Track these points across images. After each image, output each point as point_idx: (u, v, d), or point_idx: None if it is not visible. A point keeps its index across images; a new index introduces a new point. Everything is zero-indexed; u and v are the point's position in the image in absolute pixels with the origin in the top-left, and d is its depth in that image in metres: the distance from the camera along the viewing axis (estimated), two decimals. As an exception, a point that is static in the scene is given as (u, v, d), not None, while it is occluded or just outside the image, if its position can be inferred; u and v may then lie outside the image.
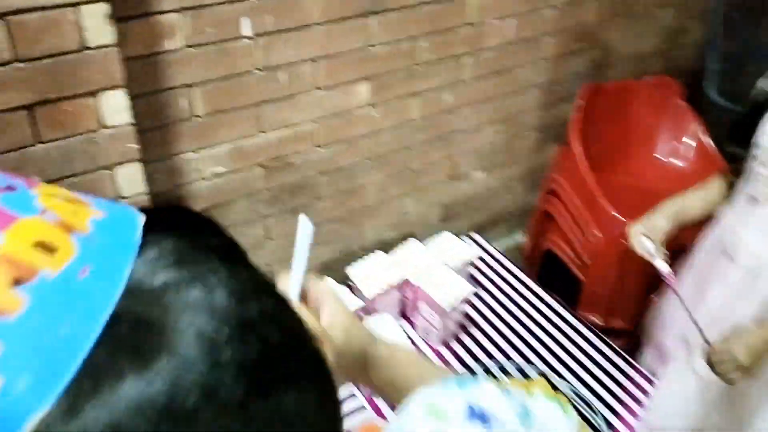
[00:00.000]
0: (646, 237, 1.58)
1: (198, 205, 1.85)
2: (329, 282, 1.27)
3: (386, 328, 1.78)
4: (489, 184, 2.52)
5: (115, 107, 1.47)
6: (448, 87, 2.15)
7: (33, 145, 1.42)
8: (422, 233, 2.43)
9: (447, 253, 2.03)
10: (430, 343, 1.90)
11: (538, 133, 2.51)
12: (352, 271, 1.91)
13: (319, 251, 2.18)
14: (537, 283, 2.64)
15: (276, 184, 1.96)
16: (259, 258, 2.06)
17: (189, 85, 1.66)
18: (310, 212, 2.06)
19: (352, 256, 2.27)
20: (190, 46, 1.61)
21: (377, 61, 1.93)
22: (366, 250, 2.31)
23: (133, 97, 1.58)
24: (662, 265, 1.56)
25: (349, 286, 1.91)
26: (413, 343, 1.90)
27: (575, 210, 2.34)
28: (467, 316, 1.99)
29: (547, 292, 2.15)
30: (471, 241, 2.38)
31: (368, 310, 1.85)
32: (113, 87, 1.45)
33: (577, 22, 2.29)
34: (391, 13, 1.87)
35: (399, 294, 1.90)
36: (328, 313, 0.71)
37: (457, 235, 2.47)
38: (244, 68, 1.71)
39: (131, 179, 1.58)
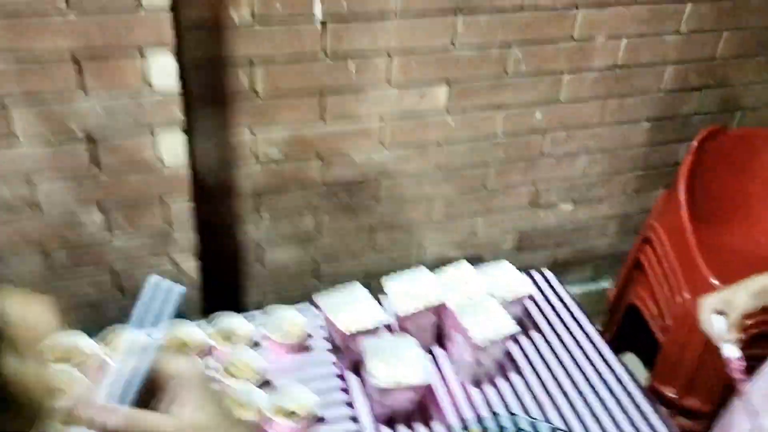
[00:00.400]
0: (719, 314, 1.31)
1: (248, 187, 1.79)
2: (196, 362, 1.06)
3: (407, 352, 1.62)
4: (577, 218, 2.28)
5: (163, 70, 1.43)
6: (540, 105, 1.95)
7: (77, 97, 1.42)
8: (490, 259, 2.24)
9: (500, 285, 1.84)
10: (460, 379, 1.72)
11: (642, 171, 2.23)
12: (390, 283, 1.77)
13: (369, 256, 2.06)
14: (614, 338, 2.37)
15: (333, 179, 1.87)
16: (306, 252, 1.98)
17: (251, 61, 1.60)
18: (367, 214, 1.95)
19: (405, 269, 2.13)
20: (256, 20, 1.55)
21: (460, 65, 1.78)
22: (423, 265, 2.16)
23: (191, 65, 1.55)
24: (731, 352, 1.28)
25: (378, 299, 1.78)
26: (441, 375, 1.73)
27: (668, 265, 2.05)
28: (510, 357, 1.79)
29: (616, 351, 1.88)
30: (540, 277, 2.15)
31: (393, 328, 1.71)
32: (162, 49, 1.41)
33: (703, 53, 2.00)
34: (481, 15, 1.71)
35: (434, 318, 1.74)
36: (191, 408, 0.55)
37: (528, 269, 2.26)
38: (311, 51, 1.63)
39: (173, 148, 1.55)
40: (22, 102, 1.39)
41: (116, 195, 1.57)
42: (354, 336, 1.64)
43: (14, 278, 1.62)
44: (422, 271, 1.79)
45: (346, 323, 1.68)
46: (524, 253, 2.29)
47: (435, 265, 2.15)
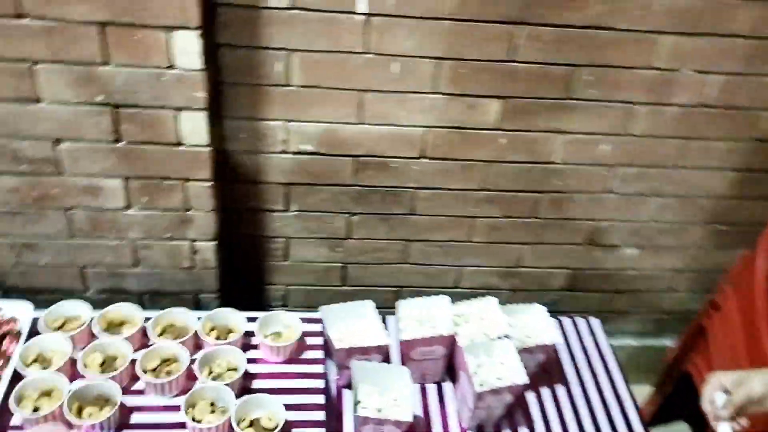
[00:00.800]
0: (725, 392, 1.14)
1: (276, 178, 1.73)
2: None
3: (397, 382, 1.50)
4: (641, 266, 2.04)
5: (187, 49, 1.39)
6: (608, 136, 1.74)
7: (100, 64, 1.40)
8: (533, 293, 2.06)
9: (524, 328, 1.67)
10: (460, 421, 1.58)
11: (721, 226, 1.95)
12: (404, 305, 1.65)
13: (400, 268, 1.95)
14: (664, 403, 2.12)
15: (367, 182, 1.76)
16: (333, 253, 1.90)
17: (288, 50, 1.52)
18: (401, 224, 1.83)
19: (435, 291, 2.00)
20: (295, 8, 1.47)
21: (517, 79, 1.61)
22: (458, 290, 2.03)
23: (225, 46, 1.50)
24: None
25: (384, 320, 1.66)
26: (442, 412, 1.60)
27: (733, 337, 1.79)
28: (523, 406, 1.62)
29: (665, 417, 1.68)
30: (584, 323, 1.95)
31: (392, 351, 1.59)
32: (187, 28, 1.36)
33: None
34: (545, 28, 1.54)
35: (444, 350, 1.60)
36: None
37: (577, 311, 2.07)
38: (351, 47, 1.53)
39: (194, 128, 1.50)
40: (48, 64, 1.38)
41: (136, 166, 1.55)
42: (348, 352, 1.54)
43: (39, 240, 1.64)
44: (442, 300, 1.66)
45: (341, 337, 1.59)
46: (575, 293, 2.08)
47: (472, 291, 2.02)
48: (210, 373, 1.45)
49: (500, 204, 1.84)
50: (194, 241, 1.70)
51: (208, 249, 1.71)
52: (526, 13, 1.51)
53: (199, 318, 1.57)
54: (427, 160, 1.74)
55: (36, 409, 1.34)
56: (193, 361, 1.46)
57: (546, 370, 1.73)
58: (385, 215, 1.83)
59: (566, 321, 1.95)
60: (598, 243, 1.97)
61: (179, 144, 1.52)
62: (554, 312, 2.11)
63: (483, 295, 2.01)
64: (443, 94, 1.63)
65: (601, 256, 2.00)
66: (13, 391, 1.34)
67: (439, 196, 1.81)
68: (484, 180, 1.79)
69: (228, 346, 1.49)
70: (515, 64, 1.59)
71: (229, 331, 1.57)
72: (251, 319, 1.61)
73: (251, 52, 1.52)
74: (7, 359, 1.44)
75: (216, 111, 1.58)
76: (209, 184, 1.60)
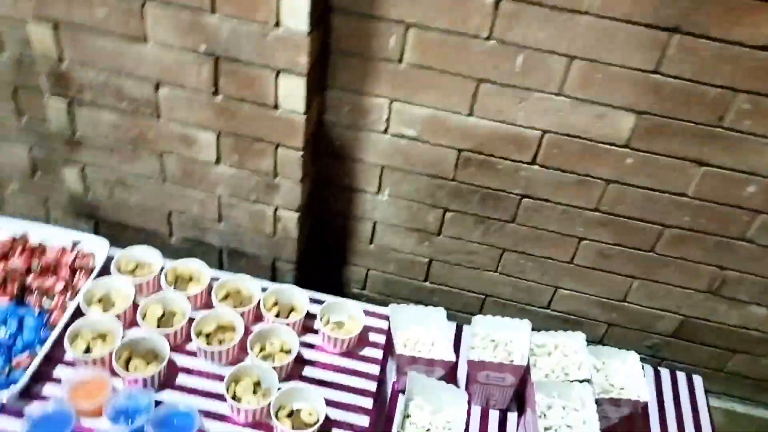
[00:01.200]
0: None
1: (373, 158, 1.62)
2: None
3: (451, 402, 1.36)
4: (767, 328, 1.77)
5: (295, 8, 1.29)
6: (758, 177, 1.48)
7: (207, 12, 1.34)
8: (632, 332, 1.84)
9: (609, 376, 1.48)
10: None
11: None
12: (480, 321, 1.50)
13: (490, 275, 1.80)
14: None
15: (468, 180, 1.62)
16: (421, 247, 1.78)
17: (406, 23, 1.39)
18: (497, 230, 1.69)
19: (522, 307, 1.84)
20: (420, -21, 1.33)
21: (660, 96, 1.39)
22: (548, 311, 1.85)
23: (338, 13, 1.40)
24: None
25: (458, 328, 1.52)
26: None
27: None
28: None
29: None
30: (685, 380, 1.71)
31: (455, 369, 1.45)
32: (298, -14, 1.27)
33: None
34: (704, 41, 1.30)
35: (514, 379, 1.44)
36: None
37: (681, 363, 1.83)
38: (476, 30, 1.37)
39: (292, 93, 1.42)
40: (157, 5, 1.34)
41: (231, 123, 1.50)
42: (410, 360, 1.43)
43: (132, 179, 1.64)
44: (523, 324, 1.50)
45: (406, 342, 1.48)
46: (682, 342, 1.84)
47: (564, 315, 1.84)
48: (262, 350, 1.39)
49: (614, 229, 1.63)
50: (278, 208, 1.63)
51: (291, 219, 1.65)
52: (685, 21, 1.28)
53: (264, 289, 1.51)
54: (538, 167, 1.56)
55: (88, 350, 1.34)
56: (249, 333, 1.41)
57: (628, 425, 1.53)
58: (482, 218, 1.68)
59: (664, 372, 1.72)
60: (721, 294, 1.71)
61: (275, 107, 1.45)
62: (653, 358, 1.89)
63: (576, 322, 1.84)
64: (569, 97, 1.44)
65: (723, 308, 1.74)
66: (69, 329, 1.35)
67: (545, 209, 1.63)
68: (600, 200, 1.59)
69: (285, 327, 1.42)
70: (661, 76, 1.37)
71: (292, 310, 1.50)
72: (317, 301, 1.53)
73: (365, 21, 1.40)
74: (75, 293, 1.45)
75: (320, 79, 1.48)
76: (300, 153, 1.51)
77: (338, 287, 1.93)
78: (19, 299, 1.42)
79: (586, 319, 1.84)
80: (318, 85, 1.48)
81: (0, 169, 1.84)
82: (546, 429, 1.32)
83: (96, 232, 1.75)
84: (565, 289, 1.79)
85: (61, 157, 1.65)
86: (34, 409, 1.24)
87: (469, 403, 1.36)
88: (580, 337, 1.49)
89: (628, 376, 1.48)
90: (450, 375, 1.48)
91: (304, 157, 1.53)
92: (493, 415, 1.52)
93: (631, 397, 1.42)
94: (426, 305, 1.54)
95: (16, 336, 1.34)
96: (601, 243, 1.67)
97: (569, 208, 1.62)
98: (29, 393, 1.29)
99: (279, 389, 1.31)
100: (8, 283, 1.43)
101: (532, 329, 1.51)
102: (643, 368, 1.50)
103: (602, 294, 1.78)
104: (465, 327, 1.67)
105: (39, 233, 1.56)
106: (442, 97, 1.49)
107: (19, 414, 1.25)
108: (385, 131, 1.57)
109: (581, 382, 1.39)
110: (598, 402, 1.38)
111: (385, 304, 1.65)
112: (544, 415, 1.35)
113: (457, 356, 1.58)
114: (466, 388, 1.51)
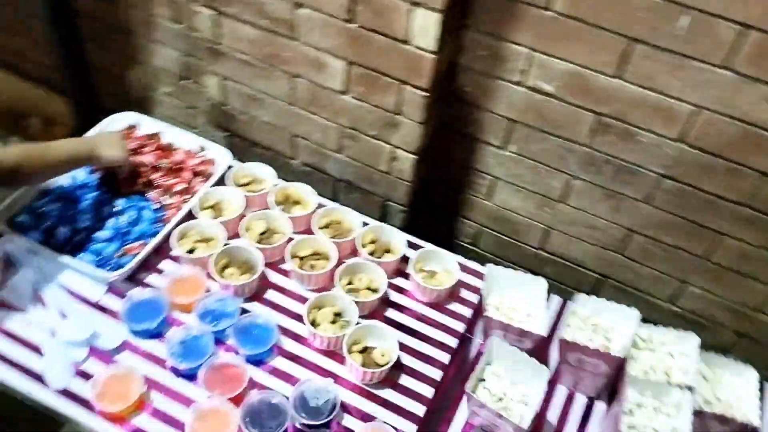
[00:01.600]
0: None
1: (502, 110, 1.53)
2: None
3: (530, 377, 1.28)
4: None
5: (439, -64, 1.22)
6: None
7: (351, -67, 1.30)
8: (763, 348, 1.63)
9: (721, 390, 1.32)
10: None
11: None
12: (583, 300, 1.39)
13: (609, 254, 1.66)
14: None
15: (603, 149, 1.48)
16: (541, 213, 1.67)
17: (560, -34, 1.27)
18: (629, 210, 1.54)
19: (643, 298, 1.68)
20: None
21: None
22: (671, 306, 1.68)
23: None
24: None
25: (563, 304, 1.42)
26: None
27: None
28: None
29: None
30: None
31: (538, 342, 1.36)
32: None
33: None
34: None
35: (606, 368, 1.33)
36: None
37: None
38: (636, -19, 1.22)
39: (424, 29, 1.35)
40: None
41: (361, 54, 1.47)
42: (500, 325, 1.36)
43: (263, 97, 1.68)
44: (631, 313, 1.37)
45: (499, 306, 1.41)
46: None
47: (688, 315, 1.66)
48: (350, 283, 1.38)
49: (764, 231, 1.43)
50: (396, 147, 1.60)
51: (407, 160, 1.61)
52: None
53: (365, 224, 1.50)
54: (686, 146, 1.38)
55: (191, 251, 1.41)
56: (341, 264, 1.41)
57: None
58: (612, 192, 1.54)
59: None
60: None
61: (405, 42, 1.39)
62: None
63: (698, 323, 1.66)
64: (736, 73, 1.24)
65: None
66: (179, 228, 1.42)
67: (686, 194, 1.46)
68: (753, 195, 1.39)
69: (376, 265, 1.40)
70: None
71: (387, 250, 1.48)
72: (416, 246, 1.50)
73: (516, -41, 1.30)
74: (192, 195, 1.52)
75: (459, 17, 1.40)
76: (425, 94, 1.46)
77: (447, 238, 1.88)
78: (142, 193, 1.52)
79: (711, 323, 1.65)
80: (455, 24, 1.40)
81: (154, 71, 1.96)
82: (630, 428, 1.21)
83: (230, 146, 1.82)
84: (693, 285, 1.61)
85: (206, 65, 1.72)
86: (135, 293, 1.33)
87: (553, 382, 1.28)
88: (692, 339, 1.34)
89: (740, 393, 1.31)
90: (540, 350, 1.40)
91: (429, 98, 1.47)
92: (580, 400, 1.42)
93: (739, 417, 1.26)
94: (536, 274, 1.46)
95: (134, 225, 1.44)
96: (745, 243, 1.47)
97: (715, 198, 1.43)
98: (134, 278, 1.39)
99: (358, 323, 1.30)
100: (136, 177, 1.53)
101: (645, 321, 1.38)
102: (761, 389, 1.32)
103: (736, 300, 1.58)
104: (569, 304, 1.56)
105: (171, 134, 1.65)
106: (588, 54, 1.35)
107: (122, 295, 1.35)
108: (520, 83, 1.47)
109: (682, 388, 1.25)
110: (697, 413, 1.23)
111: (494, 263, 1.58)
112: (630, 412, 1.24)
113: (554, 333, 1.49)
114: (557, 368, 1.42)
